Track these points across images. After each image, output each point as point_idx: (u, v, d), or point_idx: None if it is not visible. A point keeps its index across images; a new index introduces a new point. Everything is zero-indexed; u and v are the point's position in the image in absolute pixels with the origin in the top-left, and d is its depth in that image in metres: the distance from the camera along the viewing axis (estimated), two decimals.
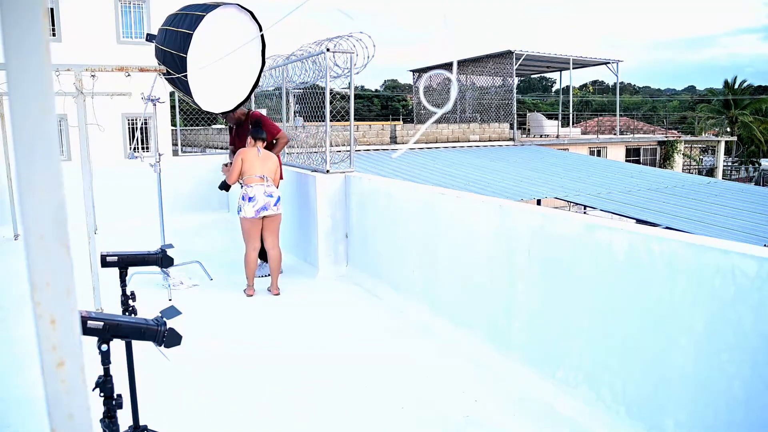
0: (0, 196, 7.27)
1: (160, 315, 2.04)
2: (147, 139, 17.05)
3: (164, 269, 5.06)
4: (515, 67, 20.80)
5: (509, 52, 20.59)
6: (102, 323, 1.88)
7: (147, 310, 2.75)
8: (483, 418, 2.95)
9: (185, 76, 4.87)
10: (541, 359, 3.25)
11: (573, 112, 24.59)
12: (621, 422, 2.72)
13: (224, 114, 5.63)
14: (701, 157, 30.50)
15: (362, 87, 50.16)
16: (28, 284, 0.55)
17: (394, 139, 17.94)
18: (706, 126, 32.64)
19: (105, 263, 2.62)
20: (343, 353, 3.81)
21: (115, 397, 2.00)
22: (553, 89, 54.92)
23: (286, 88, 6.79)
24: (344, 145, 6.63)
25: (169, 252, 2.78)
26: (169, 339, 1.98)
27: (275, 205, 4.93)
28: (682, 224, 8.49)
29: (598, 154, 22.02)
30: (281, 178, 5.37)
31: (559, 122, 23.18)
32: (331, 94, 5.60)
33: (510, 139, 20.40)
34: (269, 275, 5.30)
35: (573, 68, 22.51)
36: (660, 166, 23.07)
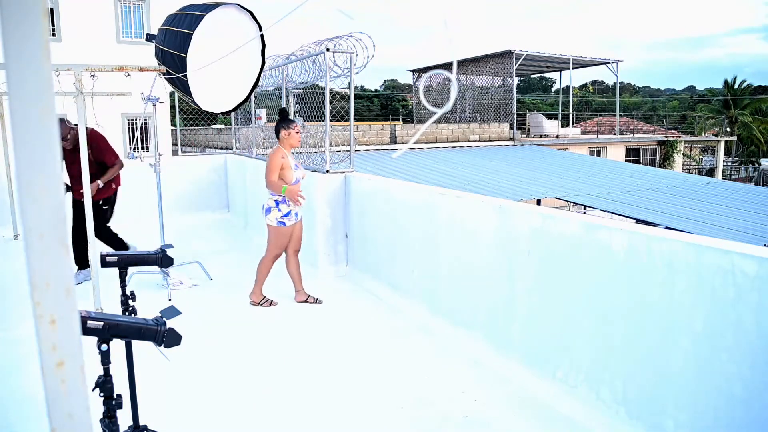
0: (0, 196, 7.26)
1: (159, 315, 2.04)
2: (147, 139, 17.04)
3: (164, 269, 5.06)
4: (515, 67, 20.80)
5: (509, 52, 20.59)
6: (102, 323, 1.88)
7: (147, 310, 2.75)
8: (483, 418, 2.95)
9: (185, 76, 4.87)
10: (541, 359, 3.25)
11: (573, 112, 24.60)
12: (621, 422, 2.72)
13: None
14: (701, 157, 30.49)
15: (362, 87, 50.18)
16: (28, 284, 0.55)
17: (394, 139, 17.94)
18: (705, 126, 32.64)
19: (105, 263, 2.62)
20: (342, 353, 3.80)
21: (115, 397, 2.00)
22: (553, 89, 54.93)
23: (286, 88, 6.79)
24: (344, 145, 6.63)
25: (169, 252, 2.78)
26: (169, 339, 1.98)
27: (264, 215, 4.67)
28: (682, 224, 8.49)
29: (598, 154, 22.02)
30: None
31: (559, 122, 23.18)
32: (331, 94, 5.60)
33: (510, 139, 20.39)
34: (80, 283, 5.13)
35: (573, 68, 22.52)
36: (660, 166, 23.07)
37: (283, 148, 4.54)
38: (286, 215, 4.54)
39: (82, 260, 5.44)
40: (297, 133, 4.56)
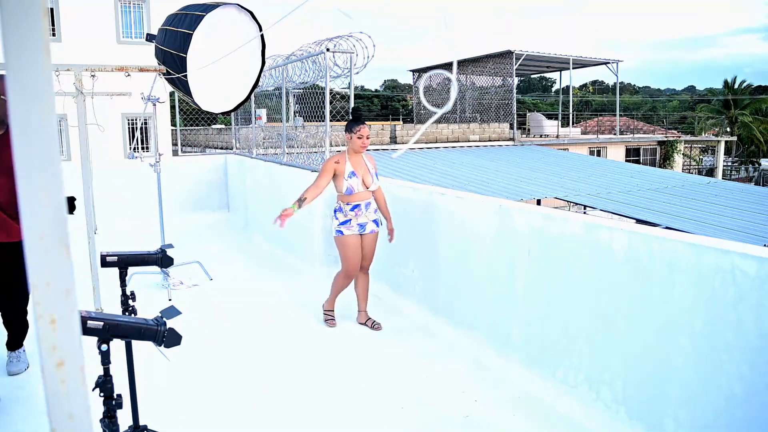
0: None
1: (160, 315, 2.04)
2: (147, 139, 17.04)
3: (164, 269, 5.06)
4: (515, 67, 20.80)
5: (509, 52, 20.60)
6: (102, 323, 1.88)
7: (147, 310, 2.75)
8: (483, 418, 2.95)
9: (185, 76, 4.87)
10: (541, 359, 3.25)
11: (573, 112, 24.60)
12: (620, 422, 2.72)
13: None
14: (701, 157, 30.50)
15: (362, 87, 50.18)
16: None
17: (394, 139, 17.94)
18: (706, 126, 32.65)
19: (105, 263, 2.62)
20: (342, 353, 3.80)
21: (115, 397, 2.00)
22: (553, 89, 54.94)
23: (286, 88, 6.79)
24: (344, 145, 6.63)
25: (169, 252, 2.78)
26: (169, 339, 1.98)
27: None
28: (682, 224, 8.49)
29: (598, 154, 22.02)
30: (340, 191, 4.14)
31: (559, 122, 23.19)
32: (331, 94, 5.61)
33: (510, 139, 20.40)
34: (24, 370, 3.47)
35: (573, 68, 22.51)
36: (660, 166, 23.07)
37: (348, 153, 4.10)
38: (343, 224, 4.07)
39: (20, 333, 3.53)
40: (359, 138, 4.04)
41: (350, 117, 4.23)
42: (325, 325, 4.29)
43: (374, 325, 4.20)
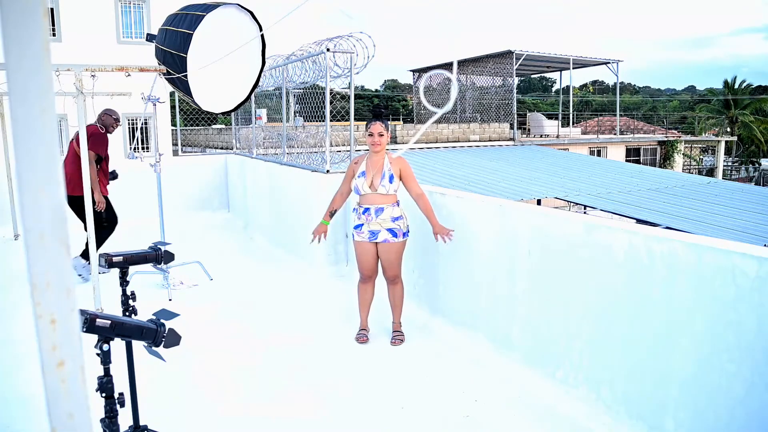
0: (0, 196, 7.26)
1: (154, 317, 2.04)
2: (147, 139, 17.05)
3: (165, 270, 5.06)
4: (515, 67, 20.81)
5: (509, 52, 20.60)
6: (109, 322, 1.89)
7: (147, 310, 2.75)
8: (483, 418, 2.95)
9: (185, 76, 4.87)
10: (541, 359, 3.25)
11: (573, 112, 24.60)
12: (621, 422, 2.72)
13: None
14: (701, 157, 30.50)
15: (362, 87, 50.17)
16: (28, 284, 0.55)
17: (394, 139, 17.94)
18: (706, 126, 32.64)
19: (112, 264, 2.61)
20: (342, 353, 3.80)
21: (117, 396, 2.00)
22: (553, 89, 54.94)
23: (286, 88, 6.79)
24: (344, 145, 6.64)
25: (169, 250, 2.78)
26: (169, 339, 1.98)
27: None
28: (682, 224, 8.49)
29: (598, 154, 22.02)
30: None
31: (559, 122, 23.18)
32: (331, 94, 5.61)
33: (510, 139, 20.41)
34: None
35: (573, 68, 22.51)
36: (660, 166, 23.07)
37: (369, 154, 3.97)
38: (356, 227, 3.93)
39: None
40: (371, 135, 3.90)
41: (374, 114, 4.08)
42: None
43: (393, 339, 3.96)
